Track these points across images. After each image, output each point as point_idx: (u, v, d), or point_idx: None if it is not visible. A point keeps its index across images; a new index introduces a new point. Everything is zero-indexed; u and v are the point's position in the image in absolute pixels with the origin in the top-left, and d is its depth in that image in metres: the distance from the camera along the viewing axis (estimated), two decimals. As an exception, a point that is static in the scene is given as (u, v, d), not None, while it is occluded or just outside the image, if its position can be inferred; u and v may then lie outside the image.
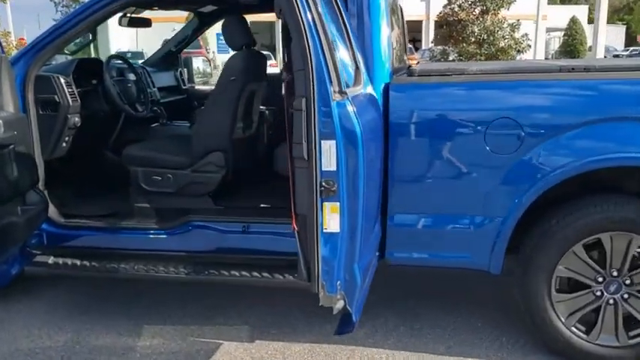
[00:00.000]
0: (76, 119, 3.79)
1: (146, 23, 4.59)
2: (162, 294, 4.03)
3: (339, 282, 2.41)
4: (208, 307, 3.88)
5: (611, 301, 3.12)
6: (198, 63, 5.25)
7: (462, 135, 3.08)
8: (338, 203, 2.33)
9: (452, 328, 3.59)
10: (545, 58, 29.95)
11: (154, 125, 4.66)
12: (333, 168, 2.31)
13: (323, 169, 2.31)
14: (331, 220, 2.33)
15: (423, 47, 32.20)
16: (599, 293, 3.14)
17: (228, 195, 3.79)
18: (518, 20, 15.26)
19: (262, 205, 3.71)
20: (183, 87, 5.34)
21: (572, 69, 3.06)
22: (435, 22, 39.50)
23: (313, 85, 2.25)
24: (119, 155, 4.01)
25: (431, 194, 3.20)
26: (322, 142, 2.30)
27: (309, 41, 2.27)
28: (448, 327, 3.61)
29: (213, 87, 5.63)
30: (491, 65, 3.32)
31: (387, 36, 3.22)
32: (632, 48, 38.12)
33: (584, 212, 3.05)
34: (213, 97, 3.64)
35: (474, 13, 15.10)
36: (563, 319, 3.17)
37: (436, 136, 3.11)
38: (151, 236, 3.62)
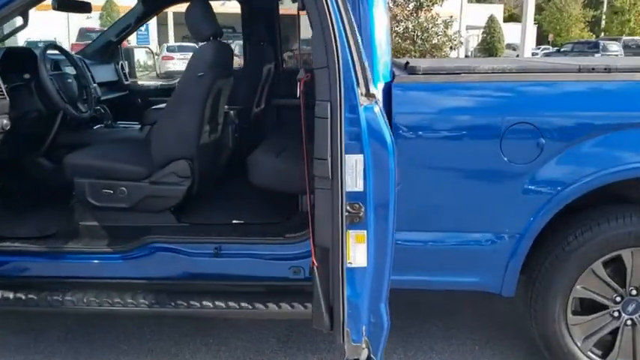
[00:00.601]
0: (5, 121, 3.12)
1: (84, 8, 3.94)
2: (114, 326, 3.44)
3: (364, 327, 1.97)
4: (174, 339, 3.34)
5: (629, 322, 2.87)
6: (140, 55, 4.65)
7: (476, 142, 2.71)
8: (364, 231, 1.89)
9: (448, 353, 3.25)
10: (466, 56, 30.63)
11: (96, 127, 4.02)
12: (360, 188, 1.87)
13: (347, 190, 1.86)
14: (357, 251, 1.90)
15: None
16: (616, 314, 2.87)
17: (195, 210, 3.26)
18: (452, 17, 15.31)
19: (235, 222, 3.21)
20: (125, 82, 4.70)
21: (593, 69, 2.76)
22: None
23: (340, 87, 1.80)
24: (57, 163, 3.37)
25: (436, 209, 2.82)
26: (347, 156, 1.85)
27: (337, 32, 1.81)
28: (444, 352, 3.26)
29: (158, 82, 5.06)
30: (501, 63, 2.96)
31: (385, 27, 2.79)
32: (543, 46, 39.77)
33: (604, 227, 2.77)
34: (177, 96, 3.09)
35: (407, 9, 15.00)
36: (579, 344, 2.89)
37: (445, 142, 2.73)
38: (103, 261, 3.04)
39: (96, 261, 3.04)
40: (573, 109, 2.67)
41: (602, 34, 45.72)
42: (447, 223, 2.82)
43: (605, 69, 2.75)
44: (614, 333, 2.89)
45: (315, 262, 1.96)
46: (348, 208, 1.87)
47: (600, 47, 27.24)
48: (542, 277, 2.86)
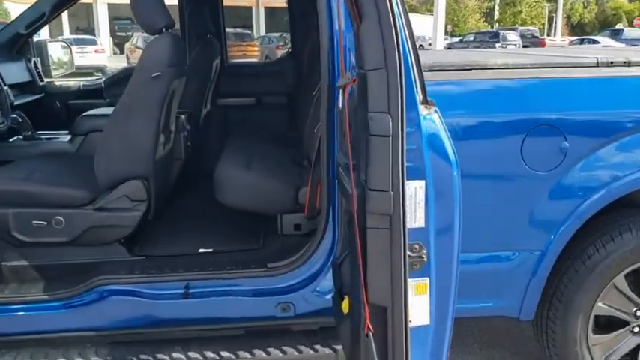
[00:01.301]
0: None
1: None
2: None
3: (423, 396, 1.55)
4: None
5: (650, 337, 2.64)
6: (54, 50, 3.92)
7: (493, 148, 2.36)
8: (426, 279, 1.46)
9: None
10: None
11: (13, 140, 3.30)
12: (421, 224, 1.44)
13: (408, 227, 1.42)
14: (418, 306, 1.46)
15: (256, 34, 31.35)
16: (636, 329, 2.63)
17: (152, 240, 2.70)
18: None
19: (204, 251, 2.67)
20: (40, 83, 3.97)
21: (611, 62, 2.48)
22: (265, 8, 39.07)
23: (402, 94, 1.35)
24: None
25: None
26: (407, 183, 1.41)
27: (397, 21, 1.36)
28: None
29: (80, 82, 4.34)
30: (514, 58, 2.62)
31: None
32: (443, 37, 40.83)
33: (627, 237, 2.51)
34: (127, 102, 2.50)
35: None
36: (600, 365, 2.63)
37: (459, 148, 2.34)
38: (39, 312, 2.41)
39: (29, 312, 2.41)
40: (600, 109, 2.38)
41: (497, 24, 47.81)
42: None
43: (625, 62, 2.48)
44: (635, 350, 2.66)
45: (370, 326, 1.49)
46: (408, 251, 1.43)
47: (500, 37, 28.26)
48: (560, 294, 2.57)
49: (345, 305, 1.79)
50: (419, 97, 1.46)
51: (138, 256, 2.62)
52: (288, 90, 4.27)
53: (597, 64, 2.48)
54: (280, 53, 20.16)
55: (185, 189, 3.15)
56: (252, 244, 2.72)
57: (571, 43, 30.13)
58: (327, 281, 2.44)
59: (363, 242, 1.44)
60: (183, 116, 3.12)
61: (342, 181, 1.79)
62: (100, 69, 19.75)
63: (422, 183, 1.45)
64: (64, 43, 4.31)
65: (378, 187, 1.39)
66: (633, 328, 2.63)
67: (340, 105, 1.36)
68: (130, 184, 2.52)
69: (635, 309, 2.61)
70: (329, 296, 2.40)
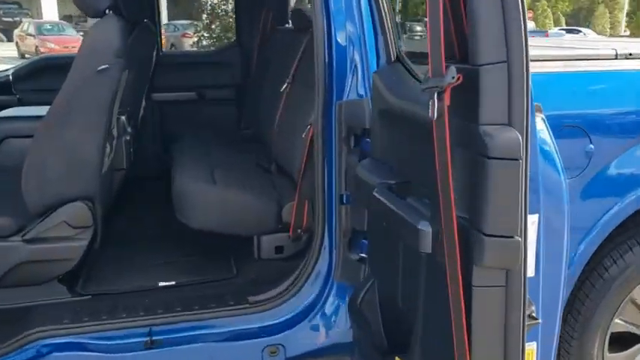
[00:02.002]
0: None
1: None
2: None
3: None
4: None
5: (662, 351, 2.45)
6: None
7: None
8: (534, 344, 1.10)
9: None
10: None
11: None
12: (531, 272, 1.07)
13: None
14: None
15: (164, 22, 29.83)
16: (653, 346, 2.43)
17: (100, 274, 2.17)
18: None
19: (164, 284, 2.18)
20: None
21: (630, 55, 2.23)
22: (167, -6, 37.32)
23: (528, 99, 0.97)
24: None
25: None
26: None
27: (520, 3, 0.96)
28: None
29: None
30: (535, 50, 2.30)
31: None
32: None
33: (645, 246, 2.28)
34: (66, 103, 1.95)
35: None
36: (614, 384, 2.40)
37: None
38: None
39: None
40: (628, 107, 2.11)
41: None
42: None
43: (645, 54, 2.24)
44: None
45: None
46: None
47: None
48: (577, 312, 2.31)
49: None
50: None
51: (82, 295, 2.09)
52: (235, 82, 3.78)
53: (616, 57, 2.22)
54: (187, 42, 19.22)
55: (132, 206, 2.62)
56: (224, 272, 2.26)
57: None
58: (324, 315, 2.04)
59: (455, 302, 1.04)
60: (123, 117, 2.57)
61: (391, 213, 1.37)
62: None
63: (535, 217, 1.08)
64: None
65: (501, 232, 1.00)
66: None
67: (433, 115, 0.96)
68: (71, 206, 1.99)
69: (651, 325, 2.40)
70: (329, 332, 2.01)
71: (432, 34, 0.96)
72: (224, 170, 2.47)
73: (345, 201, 1.99)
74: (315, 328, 2.04)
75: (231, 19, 14.10)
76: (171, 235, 2.40)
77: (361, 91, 1.92)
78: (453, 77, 0.96)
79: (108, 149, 2.14)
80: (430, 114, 0.99)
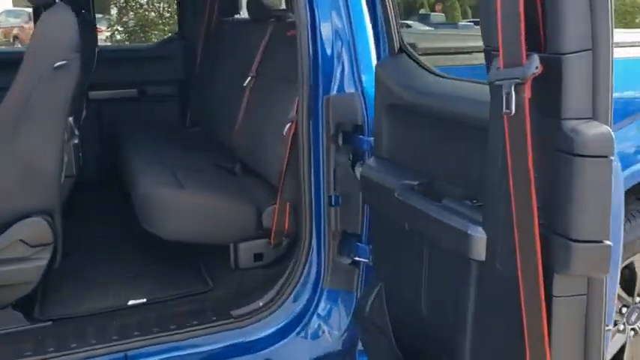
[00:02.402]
0: None
1: None
2: None
3: None
4: None
5: (632, 333, 2.50)
6: None
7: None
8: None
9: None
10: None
11: None
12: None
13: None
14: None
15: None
16: (622, 327, 2.48)
17: (59, 294, 1.94)
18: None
19: (134, 303, 1.98)
20: None
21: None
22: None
23: (611, 90, 0.88)
24: None
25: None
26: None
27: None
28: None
29: None
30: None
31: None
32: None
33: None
34: (19, 105, 1.70)
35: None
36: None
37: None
38: None
39: None
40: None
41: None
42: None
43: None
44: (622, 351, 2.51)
45: None
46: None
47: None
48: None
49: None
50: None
51: (42, 321, 1.86)
52: (178, 78, 3.55)
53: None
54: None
55: (84, 216, 2.38)
56: (199, 284, 2.09)
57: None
58: (315, 324, 1.92)
59: (529, 312, 0.94)
60: (70, 118, 2.32)
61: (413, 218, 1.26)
62: None
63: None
64: None
65: (590, 237, 0.91)
66: (619, 326, 2.46)
67: (509, 109, 0.86)
68: (28, 223, 1.75)
69: (620, 306, 2.44)
70: (321, 341, 1.90)
71: (505, 20, 0.86)
72: (187, 172, 2.28)
73: (333, 202, 1.87)
74: (306, 339, 1.92)
75: (146, 12, 13.54)
76: (133, 245, 2.20)
77: (350, 85, 1.80)
78: (537, 67, 0.86)
79: (66, 157, 1.92)
80: (505, 109, 0.89)
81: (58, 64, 1.69)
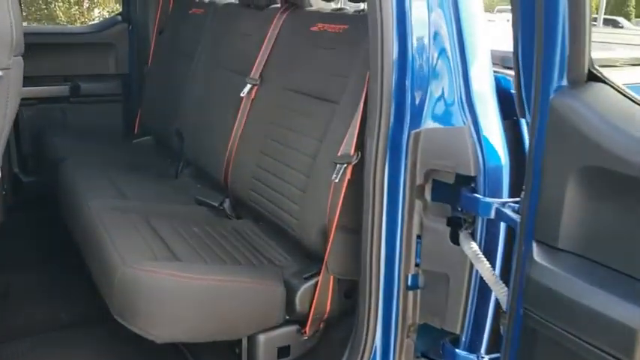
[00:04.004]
0: None
1: None
2: None
3: None
4: None
5: None
6: None
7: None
8: None
9: None
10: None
11: None
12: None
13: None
14: None
15: None
16: None
17: None
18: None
19: None
20: None
21: None
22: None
23: None
24: None
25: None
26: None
27: None
28: None
29: None
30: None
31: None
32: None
33: None
34: None
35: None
36: None
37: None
38: None
39: None
40: None
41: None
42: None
43: None
44: None
45: None
46: None
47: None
48: None
49: None
50: None
51: None
52: (121, 71, 2.76)
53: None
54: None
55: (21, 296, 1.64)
56: None
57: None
58: None
59: None
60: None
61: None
62: None
63: None
64: None
65: None
66: None
67: None
68: None
69: None
70: None
71: None
72: (167, 223, 1.59)
73: (410, 283, 1.28)
74: None
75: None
76: (94, 325, 1.49)
77: (455, 115, 1.20)
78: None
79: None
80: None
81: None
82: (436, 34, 1.18)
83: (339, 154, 1.36)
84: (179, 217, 1.72)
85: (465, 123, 1.18)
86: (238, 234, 1.69)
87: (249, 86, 1.80)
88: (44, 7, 11.27)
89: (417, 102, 1.20)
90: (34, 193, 2.50)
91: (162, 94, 2.47)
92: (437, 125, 1.20)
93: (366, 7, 1.57)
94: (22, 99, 2.61)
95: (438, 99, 1.20)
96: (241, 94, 1.81)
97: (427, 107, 1.20)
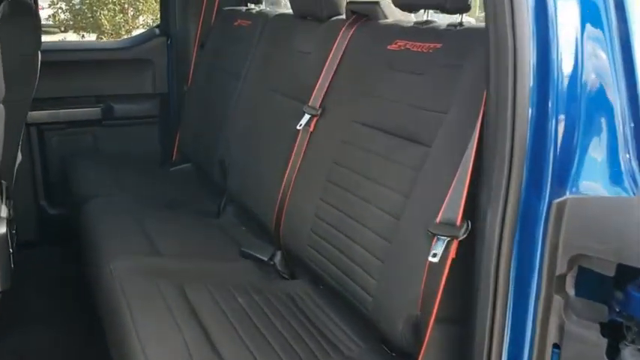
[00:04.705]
0: None
1: None
2: None
3: None
4: None
5: None
6: None
7: None
8: None
9: None
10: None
11: None
12: None
13: None
14: None
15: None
16: None
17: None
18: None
19: None
20: None
21: None
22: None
23: None
24: None
25: None
26: None
27: None
28: None
29: None
30: None
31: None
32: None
33: None
34: None
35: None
36: None
37: None
38: None
39: None
40: None
41: None
42: None
43: None
44: None
45: None
46: None
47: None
48: None
49: None
50: None
51: None
52: (159, 91, 2.47)
53: None
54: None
55: None
56: None
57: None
58: None
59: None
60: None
61: None
62: None
63: None
64: None
65: None
66: None
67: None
68: None
69: None
70: None
71: None
72: (206, 294, 1.26)
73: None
74: None
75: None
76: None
77: (620, 182, 0.82)
78: None
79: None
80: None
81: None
82: (593, 63, 0.82)
83: (437, 220, 1.00)
84: (220, 277, 1.40)
85: (634, 193, 0.81)
86: (293, 303, 1.35)
87: (307, 117, 1.46)
88: (90, 15, 11.29)
89: (562, 158, 0.83)
90: (60, 228, 2.23)
91: (204, 118, 2.15)
92: (591, 193, 0.83)
93: (464, 19, 1.22)
94: (50, 123, 2.40)
95: (595, 155, 0.83)
96: (297, 127, 1.47)
97: (577, 166, 0.83)
